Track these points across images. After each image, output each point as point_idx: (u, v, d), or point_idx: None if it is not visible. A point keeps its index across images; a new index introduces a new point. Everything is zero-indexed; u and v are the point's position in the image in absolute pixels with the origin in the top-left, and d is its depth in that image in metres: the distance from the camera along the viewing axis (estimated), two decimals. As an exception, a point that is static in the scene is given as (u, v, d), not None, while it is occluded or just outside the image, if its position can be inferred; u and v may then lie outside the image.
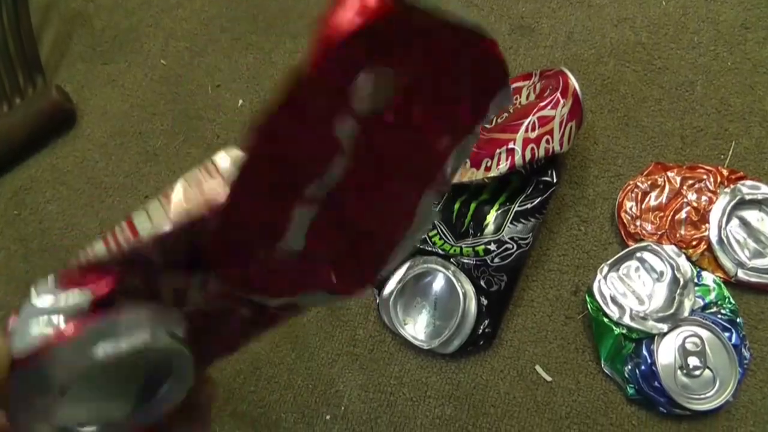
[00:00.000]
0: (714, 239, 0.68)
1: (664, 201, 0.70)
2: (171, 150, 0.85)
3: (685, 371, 0.63)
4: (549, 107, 0.63)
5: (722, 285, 0.66)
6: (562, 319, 0.67)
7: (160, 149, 0.85)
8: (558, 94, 0.63)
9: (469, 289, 0.64)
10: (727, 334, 0.64)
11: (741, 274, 0.66)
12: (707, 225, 0.69)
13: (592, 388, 0.65)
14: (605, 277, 0.66)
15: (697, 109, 0.75)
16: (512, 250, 0.64)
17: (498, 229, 0.65)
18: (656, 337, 0.63)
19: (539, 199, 0.65)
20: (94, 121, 0.90)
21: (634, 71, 0.78)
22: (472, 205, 0.68)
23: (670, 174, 0.71)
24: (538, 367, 0.66)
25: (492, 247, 0.64)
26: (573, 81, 0.64)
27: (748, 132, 0.73)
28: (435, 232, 0.67)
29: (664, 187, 0.71)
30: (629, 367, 0.64)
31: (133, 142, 0.87)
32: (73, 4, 0.97)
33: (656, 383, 0.62)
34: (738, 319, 0.65)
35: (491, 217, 0.66)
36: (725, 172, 0.70)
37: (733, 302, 0.65)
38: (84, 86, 0.91)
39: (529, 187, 0.66)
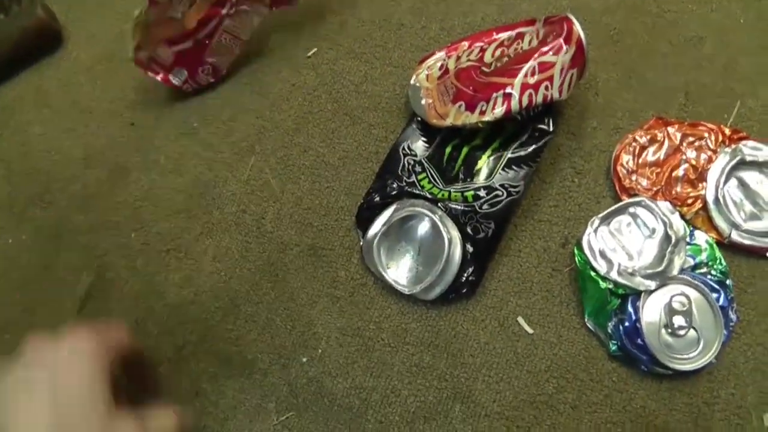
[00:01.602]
0: (710, 198, 0.66)
1: (662, 157, 0.68)
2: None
3: (669, 330, 0.62)
4: (551, 53, 0.60)
5: (714, 245, 0.65)
6: (548, 271, 0.66)
7: (148, 76, 0.82)
8: (561, 40, 0.60)
9: (455, 235, 0.62)
10: (715, 295, 0.63)
11: (735, 236, 0.65)
12: (704, 184, 0.67)
13: (574, 343, 0.63)
14: (595, 231, 0.65)
15: (704, 66, 0.73)
16: (502, 198, 0.62)
17: (489, 175, 0.63)
18: (643, 294, 0.62)
19: (533, 146, 0.63)
20: (81, 43, 0.87)
21: (643, 23, 0.75)
22: (464, 150, 0.66)
23: (670, 129, 0.69)
24: (520, 319, 0.65)
25: (482, 193, 0.62)
26: (578, 27, 0.61)
27: (754, 93, 0.71)
28: (424, 174, 0.65)
29: (663, 142, 0.69)
30: (613, 322, 0.63)
31: (120, 68, 0.84)
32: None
33: (639, 340, 0.61)
34: (728, 281, 0.63)
35: (483, 162, 0.65)
36: (727, 132, 0.68)
37: (725, 263, 0.64)
38: (72, 6, 0.88)
39: (523, 134, 0.64)
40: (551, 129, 0.63)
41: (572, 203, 0.68)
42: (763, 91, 0.71)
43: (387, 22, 0.80)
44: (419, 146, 0.67)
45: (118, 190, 0.77)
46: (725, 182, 0.67)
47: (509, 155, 0.63)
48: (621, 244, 0.65)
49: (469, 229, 0.63)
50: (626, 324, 0.62)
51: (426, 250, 0.63)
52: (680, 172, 0.68)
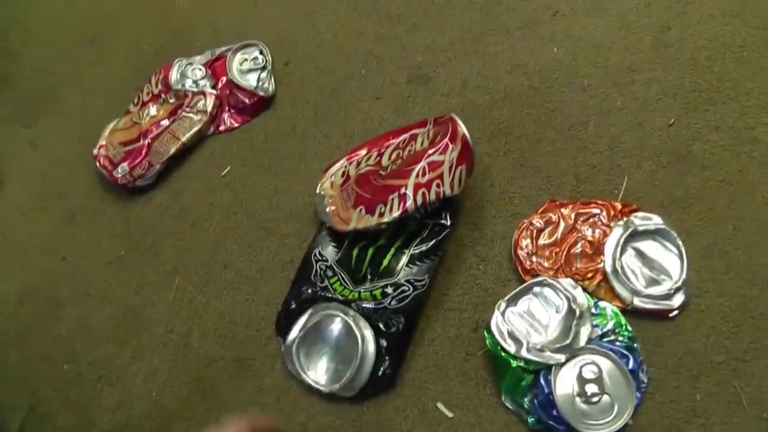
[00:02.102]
0: (609, 270, 0.70)
1: (558, 237, 0.73)
2: (88, 211, 0.86)
3: (583, 398, 0.64)
4: (438, 153, 0.65)
5: (619, 313, 0.68)
6: (462, 356, 0.68)
7: (78, 209, 0.86)
8: (447, 140, 0.65)
9: (368, 333, 0.65)
10: (624, 361, 0.65)
11: (637, 302, 0.68)
12: (602, 257, 0.71)
13: (494, 421, 0.65)
14: (503, 313, 0.68)
15: (590, 147, 0.78)
16: (408, 292, 0.65)
17: (394, 272, 0.67)
18: (554, 367, 0.64)
19: (434, 241, 0.67)
20: (15, 183, 0.91)
21: (528, 114, 0.81)
22: (370, 251, 0.69)
23: (564, 210, 0.74)
24: (439, 404, 0.67)
25: (389, 290, 0.66)
26: (461, 127, 0.66)
27: (639, 167, 0.76)
28: (336, 278, 0.68)
29: (558, 223, 0.73)
30: (528, 397, 0.65)
31: (52, 203, 0.88)
32: (-4, 65, 0.99)
33: (554, 412, 0.63)
34: (635, 345, 0.66)
35: (387, 260, 0.68)
36: (618, 206, 0.73)
37: (630, 329, 0.67)
38: (6, 150, 0.93)
39: (424, 231, 0.68)
40: (449, 223, 0.67)
41: (480, 289, 0.72)
42: (647, 164, 0.76)
43: (292, 134, 0.85)
44: (329, 251, 0.71)
45: (51, 323, 0.79)
46: (621, 253, 0.71)
47: (412, 251, 0.67)
48: (528, 322, 0.68)
49: (381, 325, 0.65)
50: (540, 397, 0.64)
51: (342, 350, 0.65)
52: (578, 248, 0.72)
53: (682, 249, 0.70)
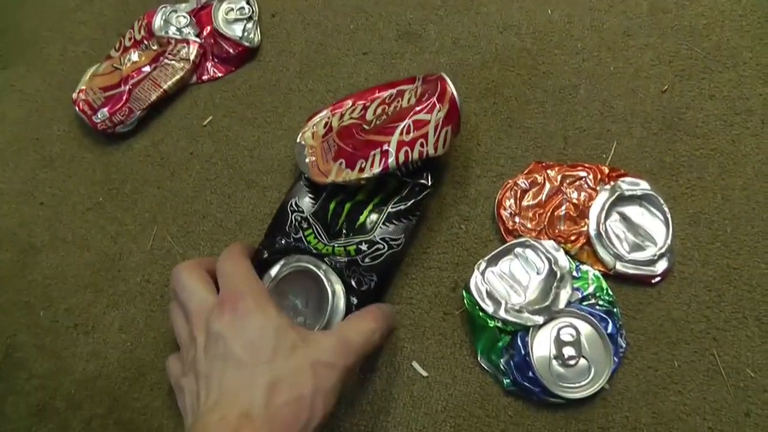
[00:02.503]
0: (593, 233, 0.69)
1: (543, 198, 0.72)
2: (67, 156, 0.84)
3: (560, 361, 0.64)
4: (424, 111, 0.62)
5: (601, 278, 0.68)
6: (440, 316, 0.68)
7: (56, 155, 0.85)
8: (434, 99, 0.62)
9: (339, 288, 0.63)
10: (603, 325, 0.65)
11: (619, 267, 0.68)
12: (586, 220, 0.70)
13: (469, 382, 0.65)
14: (482, 273, 0.67)
15: (580, 111, 0.77)
16: (383, 251, 0.63)
17: (370, 229, 0.65)
18: (531, 329, 0.64)
19: (413, 200, 0.65)
20: (-9, 128, 0.89)
21: (519, 75, 0.80)
22: (347, 206, 0.67)
23: (550, 172, 0.73)
24: (414, 363, 0.66)
25: (363, 247, 0.63)
26: (450, 87, 0.64)
27: (629, 132, 0.75)
28: (310, 230, 0.66)
29: (543, 184, 0.72)
30: (505, 359, 0.64)
31: (30, 148, 0.86)
32: (-26, 7, 0.97)
33: (530, 373, 0.63)
34: (615, 310, 0.66)
35: (364, 217, 0.66)
36: (606, 170, 0.72)
37: (611, 294, 0.67)
38: (-18, 90, 0.91)
39: (404, 189, 0.66)
40: (430, 183, 0.64)
41: (460, 248, 0.71)
42: (637, 130, 0.75)
43: (276, 87, 0.83)
44: (306, 203, 0.68)
45: (28, 269, 0.78)
46: (606, 217, 0.70)
47: (390, 209, 0.65)
48: (508, 283, 0.68)
49: (353, 282, 0.63)
50: (516, 359, 0.64)
51: (312, 304, 0.63)
52: (562, 211, 0.71)
53: (668, 216, 0.69)
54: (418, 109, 0.63)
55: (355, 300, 0.64)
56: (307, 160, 0.70)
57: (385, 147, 0.62)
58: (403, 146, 0.62)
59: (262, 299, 0.51)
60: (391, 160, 0.62)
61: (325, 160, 0.67)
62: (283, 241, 0.67)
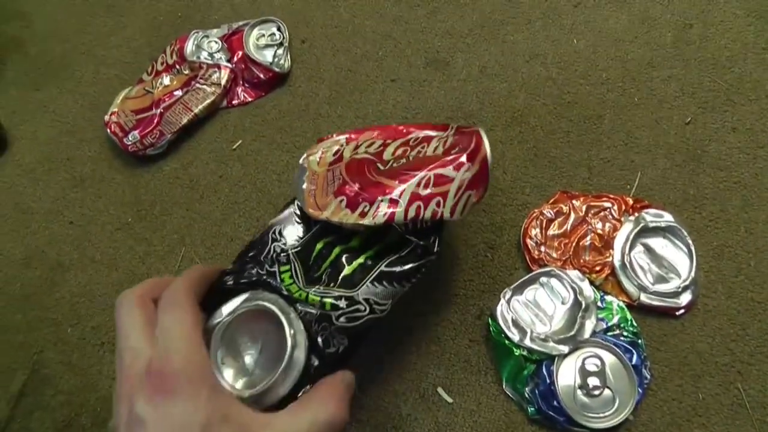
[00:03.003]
0: (617, 264, 0.70)
1: (568, 228, 0.72)
2: (97, 176, 0.86)
3: (584, 391, 0.64)
4: (450, 166, 0.53)
5: (625, 308, 0.68)
6: (465, 342, 0.68)
7: (86, 175, 0.86)
8: (464, 156, 0.53)
9: (302, 342, 0.48)
10: (628, 356, 0.65)
11: (644, 298, 0.68)
12: (611, 251, 0.71)
13: (493, 409, 0.65)
14: (508, 301, 0.68)
15: (605, 141, 0.78)
16: (363, 314, 0.51)
17: (355, 284, 0.53)
18: (557, 358, 0.64)
19: (411, 265, 0.53)
20: (24, 146, 0.91)
21: (544, 104, 0.81)
22: (336, 250, 0.56)
23: (575, 202, 0.73)
24: (440, 389, 0.67)
25: (342, 303, 0.51)
26: (486, 146, 0.55)
27: (653, 163, 0.76)
28: (288, 268, 0.54)
29: (569, 214, 0.73)
30: (530, 387, 0.65)
31: (61, 167, 0.88)
32: (9, 30, 0.99)
33: (555, 402, 0.63)
34: (640, 341, 0.66)
35: (351, 268, 0.54)
36: (630, 201, 0.73)
37: (636, 325, 0.67)
38: (16, 111, 0.93)
39: (405, 248, 0.54)
40: (435, 250, 0.53)
41: (486, 276, 0.71)
42: (661, 162, 0.75)
43: (305, 112, 0.85)
44: (291, 233, 0.58)
45: (56, 287, 0.79)
46: (631, 248, 0.70)
47: (383, 268, 0.53)
48: (534, 312, 0.68)
49: (320, 340, 0.50)
50: (542, 387, 0.64)
51: (267, 353, 0.50)
52: (587, 241, 0.72)
53: (692, 248, 0.69)
54: (443, 161, 0.53)
55: (316, 361, 0.50)
56: (304, 186, 0.60)
57: (396, 195, 0.52)
58: (416, 200, 0.52)
59: (198, 379, 0.40)
60: (399, 211, 0.51)
61: (325, 193, 0.57)
62: (254, 271, 0.54)
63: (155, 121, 0.84)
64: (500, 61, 0.84)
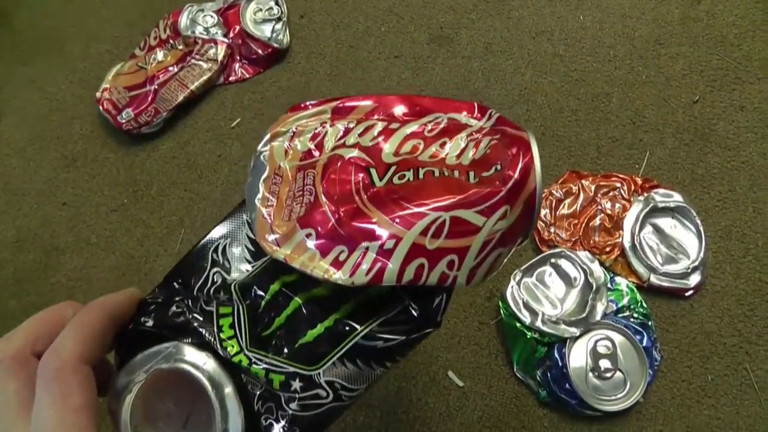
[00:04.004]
0: (627, 245, 0.69)
1: (578, 208, 0.71)
2: (90, 155, 0.83)
3: (596, 373, 0.63)
4: (481, 206, 0.32)
5: (635, 290, 0.67)
6: (475, 325, 0.67)
7: (78, 154, 0.83)
8: (504, 192, 0.32)
9: (237, 423, 0.34)
10: (638, 337, 0.65)
11: (653, 279, 0.67)
12: (621, 232, 0.70)
13: (505, 392, 0.64)
14: (518, 283, 0.67)
15: (613, 120, 0.77)
16: (324, 401, 0.35)
17: (316, 359, 0.35)
18: (568, 340, 0.64)
19: (400, 337, 0.34)
20: (13, 124, 0.88)
21: (551, 82, 0.79)
22: (295, 300, 0.36)
23: (584, 182, 0.72)
24: (450, 373, 0.66)
25: (296, 384, 0.35)
26: (537, 171, 0.33)
27: (662, 142, 0.75)
28: (228, 311, 0.36)
29: (578, 194, 0.72)
30: (541, 370, 0.64)
31: (52, 146, 0.85)
32: (-7, 4, 0.95)
33: (567, 385, 0.62)
34: (650, 323, 0.66)
35: (314, 334, 0.35)
36: (639, 181, 0.72)
37: (646, 306, 0.66)
38: (3, 87, 0.89)
39: (392, 308, 0.35)
40: (439, 320, 0.35)
41: (495, 257, 0.70)
42: (669, 141, 0.74)
43: (306, 89, 0.82)
44: (238, 257, 0.38)
45: (51, 271, 0.76)
46: (640, 229, 0.70)
47: (359, 340, 0.35)
48: (544, 294, 0.67)
49: (262, 423, 0.36)
50: (553, 371, 0.63)
51: (197, 424, 0.35)
52: (597, 221, 0.71)
53: (701, 228, 0.69)
54: (469, 195, 0.32)
55: None
56: (258, 196, 0.36)
57: (389, 244, 0.32)
58: (417, 256, 0.32)
59: None
60: (390, 269, 0.32)
61: (288, 214, 0.36)
62: (181, 310, 0.36)
63: (150, 98, 0.81)
64: (506, 37, 0.82)
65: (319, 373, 0.35)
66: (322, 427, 0.36)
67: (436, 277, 0.32)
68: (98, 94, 0.83)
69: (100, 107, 0.82)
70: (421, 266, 0.32)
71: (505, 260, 0.35)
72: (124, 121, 0.80)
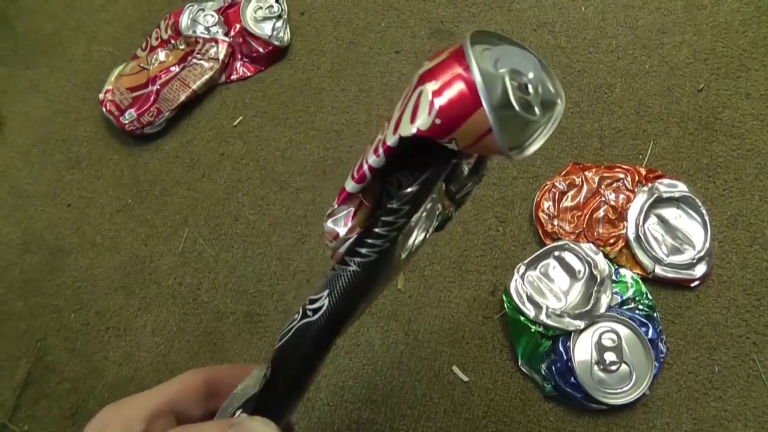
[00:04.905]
0: (631, 237, 0.68)
1: (581, 200, 0.71)
2: (94, 157, 0.83)
3: (601, 366, 0.63)
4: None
5: (640, 281, 0.67)
6: (479, 320, 0.67)
7: (83, 156, 0.84)
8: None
9: None
10: (643, 329, 0.64)
11: (658, 270, 0.67)
12: (625, 223, 0.69)
13: (509, 387, 0.64)
14: (522, 277, 0.66)
15: (616, 110, 0.76)
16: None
17: None
18: (573, 333, 0.63)
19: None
20: (17, 128, 0.88)
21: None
22: None
23: (587, 174, 0.72)
24: (455, 368, 0.66)
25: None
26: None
27: (666, 132, 0.74)
28: None
29: (581, 186, 0.71)
30: (546, 364, 0.64)
31: (56, 149, 0.85)
32: (-6, 7, 0.96)
33: (572, 379, 0.62)
34: (655, 314, 0.65)
35: None
36: (643, 171, 0.71)
37: (651, 298, 0.66)
38: (6, 91, 0.90)
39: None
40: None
41: (498, 251, 0.70)
42: (674, 130, 0.74)
43: (307, 86, 0.82)
44: None
45: (57, 272, 0.77)
46: (645, 220, 0.69)
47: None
48: (548, 287, 0.67)
49: None
50: (558, 364, 0.63)
51: None
52: (600, 213, 0.70)
53: (707, 218, 0.68)
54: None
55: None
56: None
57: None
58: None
59: None
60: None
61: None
62: None
63: (152, 98, 0.81)
64: (507, 30, 0.81)
65: None
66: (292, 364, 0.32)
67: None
68: (101, 96, 0.84)
69: (103, 109, 0.82)
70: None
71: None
72: (127, 122, 0.81)
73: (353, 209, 0.31)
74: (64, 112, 0.87)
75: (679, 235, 0.68)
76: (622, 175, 0.71)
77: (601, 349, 0.63)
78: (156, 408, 0.30)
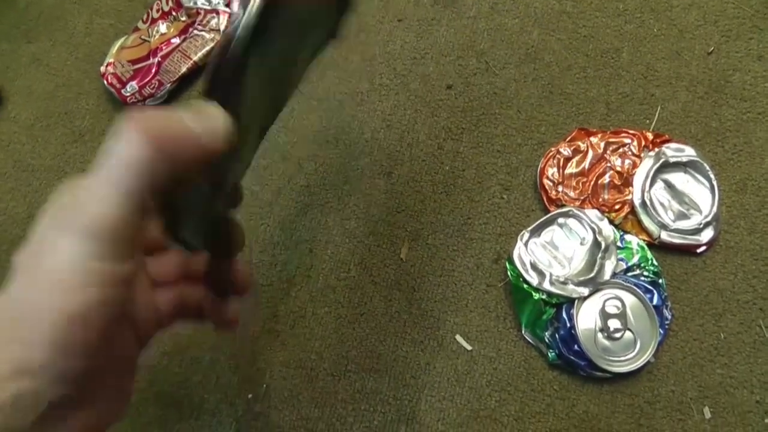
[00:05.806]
0: (637, 202, 0.68)
1: (586, 166, 0.70)
2: (97, 130, 0.83)
3: (605, 334, 0.63)
4: None
5: (646, 247, 0.66)
6: (483, 288, 0.67)
7: (86, 129, 0.84)
8: None
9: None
10: (648, 296, 0.64)
11: (664, 236, 0.66)
12: (630, 188, 0.68)
13: (513, 355, 0.64)
14: (526, 244, 0.66)
15: (623, 75, 0.75)
16: None
17: None
18: (577, 301, 0.63)
19: None
20: (20, 102, 0.88)
21: (559, 40, 0.77)
22: None
23: (593, 139, 0.71)
24: (458, 337, 0.65)
25: None
26: None
27: (674, 96, 0.73)
28: None
29: (586, 152, 0.70)
30: (549, 332, 0.63)
31: (59, 122, 0.85)
32: (-4, -18, 0.95)
33: (576, 347, 0.62)
34: (660, 281, 0.64)
35: None
36: (650, 136, 0.70)
37: (656, 264, 0.65)
38: (9, 66, 0.90)
39: None
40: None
41: (502, 219, 0.69)
42: (682, 94, 0.72)
43: (309, 57, 0.81)
44: None
45: (63, 245, 0.77)
46: (651, 185, 0.68)
47: None
48: (552, 254, 0.66)
49: None
50: (562, 332, 0.63)
51: None
52: (606, 179, 0.69)
53: (714, 183, 0.67)
54: None
55: None
56: None
57: None
58: None
59: None
60: None
61: None
62: None
63: (153, 70, 0.81)
64: (511, -6, 0.80)
65: None
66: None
67: None
68: (102, 69, 0.83)
69: (105, 81, 0.82)
70: None
71: None
72: (128, 94, 0.80)
73: None
74: (67, 86, 0.87)
75: (686, 200, 0.68)
76: (628, 140, 0.70)
77: (605, 316, 0.63)
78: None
